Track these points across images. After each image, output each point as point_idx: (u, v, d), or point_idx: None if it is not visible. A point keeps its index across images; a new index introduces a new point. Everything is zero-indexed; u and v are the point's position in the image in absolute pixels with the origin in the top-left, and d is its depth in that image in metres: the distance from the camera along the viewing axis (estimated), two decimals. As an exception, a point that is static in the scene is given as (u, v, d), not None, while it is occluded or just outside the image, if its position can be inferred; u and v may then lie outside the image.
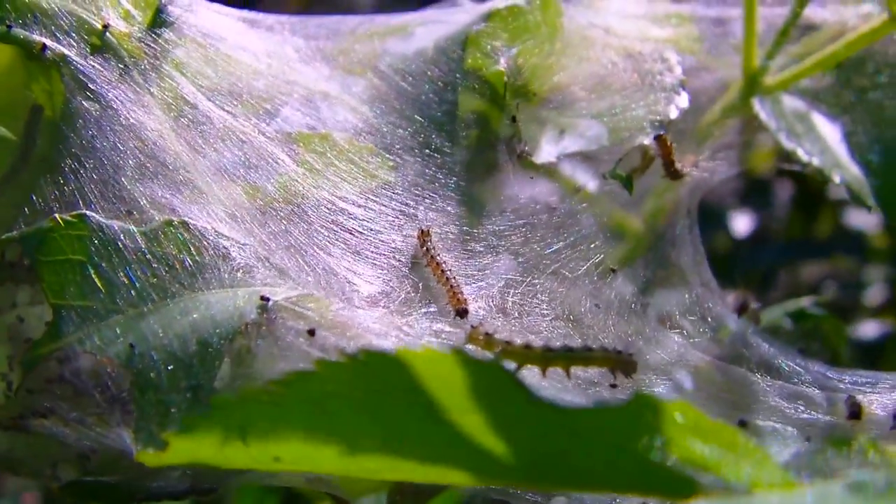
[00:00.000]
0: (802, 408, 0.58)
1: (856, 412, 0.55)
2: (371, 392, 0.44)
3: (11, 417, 0.64)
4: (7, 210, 0.69)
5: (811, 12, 0.90)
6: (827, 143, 0.86)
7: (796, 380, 0.63)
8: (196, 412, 0.49)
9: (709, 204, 1.95)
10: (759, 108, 0.87)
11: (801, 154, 0.84)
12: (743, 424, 0.52)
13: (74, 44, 0.65)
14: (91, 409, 0.58)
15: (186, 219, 0.58)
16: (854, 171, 0.82)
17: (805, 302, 0.91)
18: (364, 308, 0.57)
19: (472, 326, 0.53)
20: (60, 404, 0.58)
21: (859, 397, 0.58)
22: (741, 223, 1.79)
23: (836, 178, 0.81)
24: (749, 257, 1.73)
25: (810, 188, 1.92)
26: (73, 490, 0.66)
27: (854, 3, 0.88)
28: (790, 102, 0.90)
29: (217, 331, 0.52)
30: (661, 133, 0.66)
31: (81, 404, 0.59)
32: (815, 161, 0.82)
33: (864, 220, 1.83)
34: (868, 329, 1.67)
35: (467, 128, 0.67)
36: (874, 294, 1.87)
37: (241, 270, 0.56)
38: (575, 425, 0.40)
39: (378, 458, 0.45)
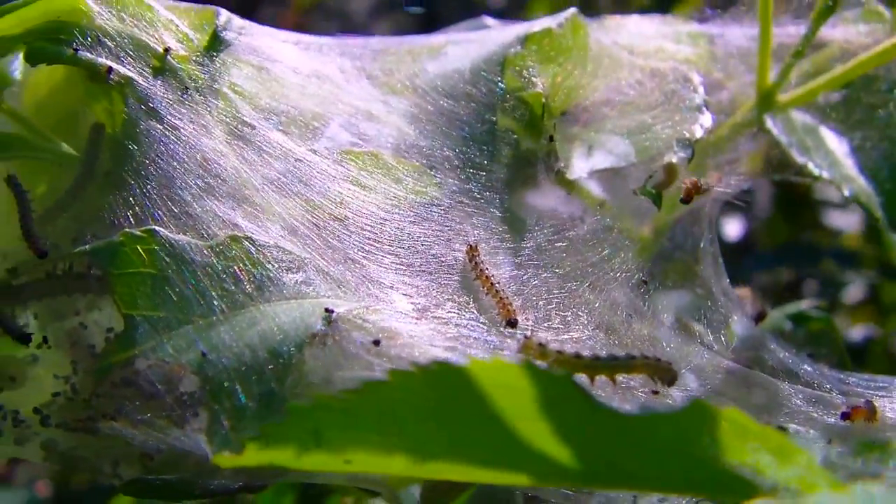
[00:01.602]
0: (822, 411, 0.61)
1: (848, 412, 0.59)
2: (441, 400, 0.47)
3: (80, 419, 0.66)
4: (73, 223, 0.72)
5: (821, 31, 0.93)
6: (836, 157, 0.89)
7: (816, 384, 0.66)
8: (271, 418, 0.52)
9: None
10: (772, 124, 0.90)
11: (812, 168, 0.87)
12: (783, 429, 0.55)
13: (137, 66, 0.68)
14: (161, 412, 0.61)
15: (249, 234, 0.61)
16: (862, 183, 0.85)
17: (804, 305, 0.94)
18: (415, 319, 0.60)
19: (525, 337, 0.56)
20: (130, 407, 0.60)
21: (876, 402, 0.61)
22: (731, 229, 1.84)
23: (846, 191, 0.84)
24: (737, 261, 1.77)
25: (794, 191, 1.96)
26: (135, 487, 0.69)
27: (862, 22, 0.91)
28: (800, 117, 0.93)
29: (286, 340, 0.55)
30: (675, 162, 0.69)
31: (151, 407, 0.61)
32: (825, 174, 0.86)
33: (844, 222, 1.88)
34: (854, 332, 1.72)
35: (507, 146, 0.70)
36: (853, 295, 1.91)
37: (303, 283, 0.59)
38: (637, 430, 0.42)
39: (444, 462, 0.48)
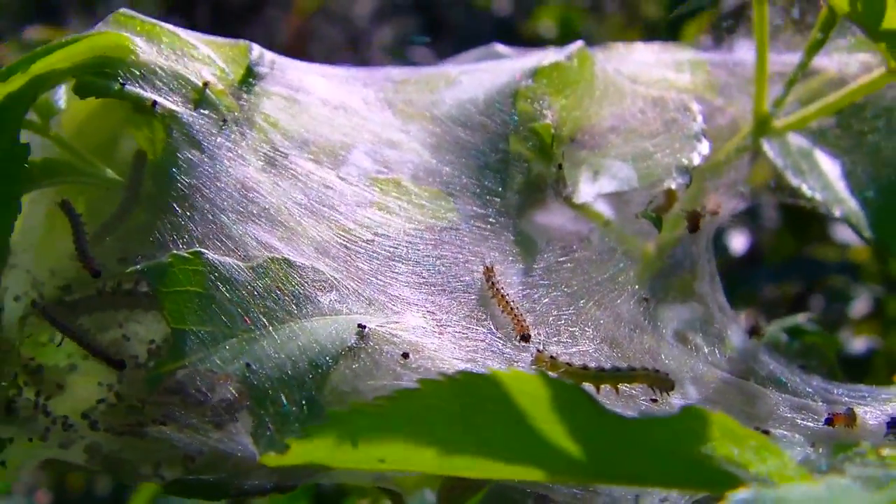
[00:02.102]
0: (807, 418, 0.70)
1: (831, 418, 0.67)
2: (466, 405, 0.55)
3: (129, 424, 0.74)
4: (118, 243, 0.80)
5: (815, 60, 1.02)
6: (829, 180, 0.98)
7: (802, 393, 0.75)
8: (312, 422, 0.60)
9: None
10: (769, 147, 0.99)
11: (806, 189, 0.95)
12: (765, 432, 0.63)
13: (179, 99, 0.76)
14: (205, 416, 0.69)
15: (286, 255, 0.70)
16: (853, 205, 0.94)
17: (800, 318, 1.03)
18: (437, 333, 0.68)
19: (537, 350, 0.65)
20: (178, 413, 0.69)
21: (858, 409, 0.70)
22: (737, 242, 1.93)
23: (837, 212, 0.93)
24: (743, 274, 1.86)
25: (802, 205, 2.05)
26: (177, 487, 0.77)
27: (853, 51, 1.00)
28: (796, 141, 1.01)
29: (323, 353, 0.63)
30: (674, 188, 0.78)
31: (197, 412, 0.70)
32: (818, 196, 0.94)
33: (851, 236, 1.97)
34: (857, 344, 1.81)
35: (519, 173, 0.79)
36: (860, 309, 2.00)
37: (336, 301, 0.67)
38: (636, 432, 0.51)
39: (469, 460, 0.56)
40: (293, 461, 0.59)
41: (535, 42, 4.37)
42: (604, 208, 0.91)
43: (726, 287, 1.02)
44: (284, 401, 0.62)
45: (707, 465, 0.50)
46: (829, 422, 0.68)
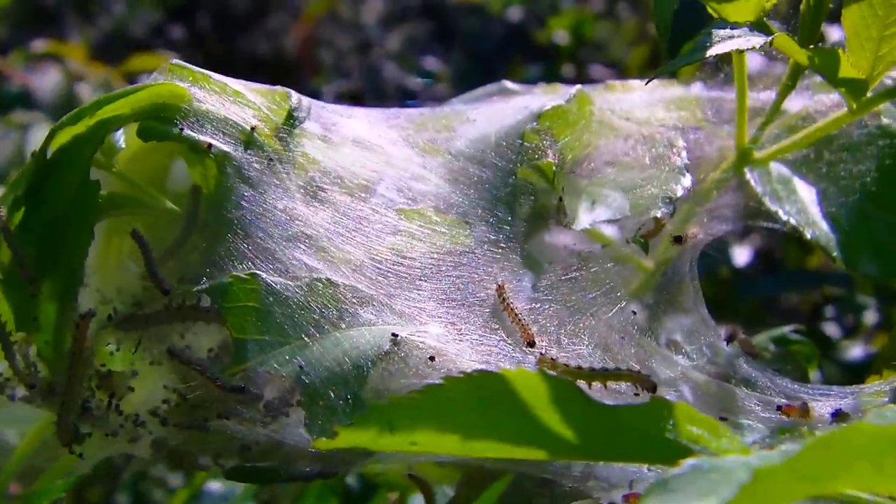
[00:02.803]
0: (770, 411, 0.87)
1: (780, 407, 0.85)
2: (482, 398, 0.72)
3: (196, 419, 0.92)
4: (180, 265, 0.97)
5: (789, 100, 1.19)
6: (804, 205, 1.15)
7: (769, 391, 0.92)
8: (356, 413, 0.77)
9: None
10: (750, 175, 1.16)
11: (782, 214, 1.12)
12: (723, 419, 0.80)
13: (230, 141, 0.93)
14: (263, 412, 0.86)
15: (328, 276, 0.87)
16: (824, 227, 1.11)
17: (786, 329, 1.20)
18: (457, 341, 0.86)
19: (541, 354, 0.82)
20: (240, 409, 0.86)
21: (811, 403, 0.87)
22: (741, 255, 2.12)
23: (808, 234, 1.09)
24: (750, 285, 2.04)
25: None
26: (235, 473, 0.95)
27: (826, 91, 1.17)
28: (777, 168, 1.19)
29: (363, 356, 0.81)
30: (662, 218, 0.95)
31: (256, 408, 0.87)
32: (792, 220, 1.11)
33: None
34: (856, 351, 1.99)
35: (525, 204, 0.96)
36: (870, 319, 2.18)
37: (372, 314, 0.84)
38: (618, 418, 0.68)
39: (485, 443, 0.73)
40: (341, 445, 0.76)
41: (548, 50, 4.54)
42: (605, 229, 1.08)
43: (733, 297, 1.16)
44: (332, 396, 0.79)
45: (671, 443, 0.67)
46: (778, 409, 0.85)
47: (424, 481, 1.02)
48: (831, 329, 2.32)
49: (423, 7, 7.72)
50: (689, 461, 0.59)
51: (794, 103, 1.17)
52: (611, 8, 4.49)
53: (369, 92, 5.64)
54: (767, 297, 2.24)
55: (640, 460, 0.72)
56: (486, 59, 5.60)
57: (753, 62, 1.26)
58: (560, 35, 4.54)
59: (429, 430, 0.74)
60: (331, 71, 6.67)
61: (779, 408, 0.85)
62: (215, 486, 1.72)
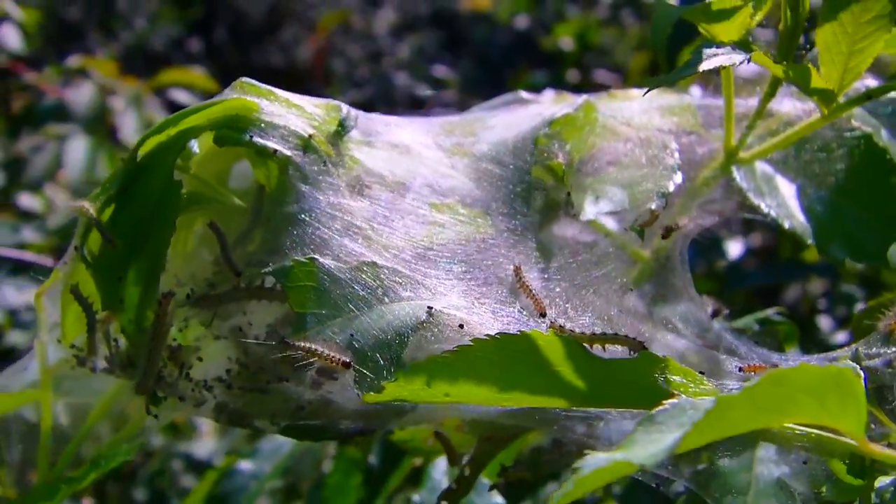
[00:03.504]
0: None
1: (741, 368, 1.00)
2: (504, 355, 0.87)
3: (257, 382, 1.07)
4: (246, 253, 1.13)
5: (773, 104, 1.34)
6: (784, 199, 1.29)
7: (748, 358, 1.07)
8: (399, 371, 0.92)
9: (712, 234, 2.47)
10: (736, 173, 1.30)
11: (764, 207, 1.27)
12: (701, 373, 0.95)
13: (291, 146, 1.08)
14: (317, 375, 1.01)
15: (373, 260, 1.02)
16: (801, 219, 1.25)
17: (770, 311, 1.35)
18: (480, 313, 1.01)
19: (551, 322, 0.97)
20: (299, 373, 1.01)
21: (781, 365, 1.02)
22: (734, 248, 2.27)
23: (787, 225, 1.24)
24: (741, 277, 2.19)
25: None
26: (289, 430, 1.10)
27: (805, 98, 1.31)
28: (761, 167, 1.33)
29: (404, 326, 0.96)
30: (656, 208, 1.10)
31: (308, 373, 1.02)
32: (773, 212, 1.25)
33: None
34: (841, 337, 2.14)
35: (539, 198, 1.11)
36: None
37: (410, 291, 1.00)
38: (617, 370, 0.83)
39: (507, 394, 0.87)
40: (386, 398, 0.91)
41: (554, 56, 4.69)
42: (607, 222, 1.23)
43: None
44: (379, 358, 0.94)
45: (659, 389, 0.82)
46: (740, 370, 1.00)
47: (447, 439, 1.17)
48: (825, 322, 2.47)
49: (433, 17, 7.90)
50: (671, 401, 0.75)
51: (784, 106, 1.32)
52: (615, 15, 4.62)
53: (380, 100, 5.79)
54: (762, 290, 2.39)
55: (635, 405, 0.86)
56: (493, 66, 5.75)
57: (751, 67, 1.40)
58: (566, 42, 4.67)
59: (460, 383, 0.88)
60: (343, 80, 6.84)
61: (740, 369, 1.00)
62: (245, 465, 1.86)
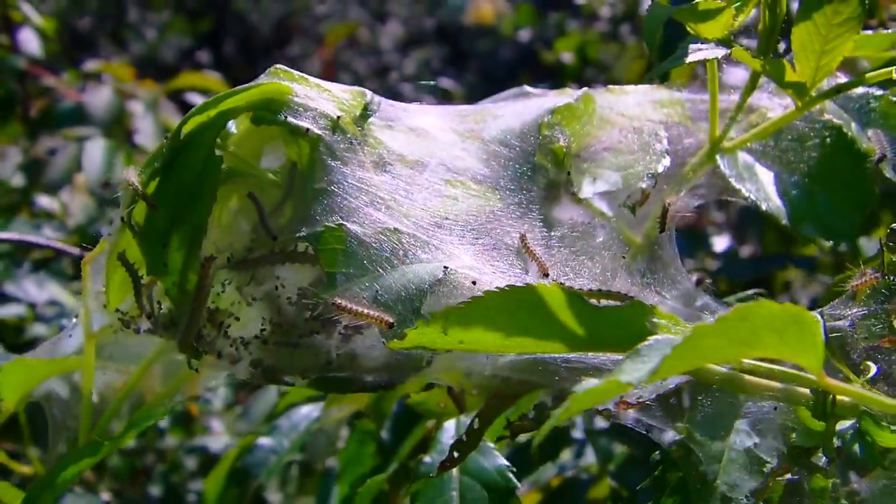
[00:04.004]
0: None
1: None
2: (511, 304, 0.99)
3: (290, 338, 1.18)
4: (280, 221, 1.25)
5: (755, 100, 1.46)
6: (763, 184, 1.41)
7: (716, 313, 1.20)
8: (420, 320, 1.04)
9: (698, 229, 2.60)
10: (720, 161, 1.43)
11: (744, 191, 1.39)
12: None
13: (321, 126, 1.20)
14: (346, 330, 1.13)
15: (395, 226, 1.14)
16: (777, 202, 1.37)
17: (750, 292, 1.48)
18: (490, 273, 1.13)
19: (553, 281, 1.09)
20: (328, 329, 1.13)
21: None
22: (720, 243, 2.42)
23: (764, 207, 1.36)
24: (723, 268, 2.32)
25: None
26: (318, 383, 1.21)
27: (783, 94, 1.44)
28: (742, 156, 1.46)
29: (423, 283, 1.08)
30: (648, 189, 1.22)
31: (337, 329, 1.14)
32: (752, 196, 1.38)
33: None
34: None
35: (542, 177, 1.24)
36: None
37: (428, 254, 1.12)
38: (611, 316, 0.95)
39: (514, 339, 0.99)
40: (408, 345, 1.03)
41: (556, 68, 4.82)
42: (602, 205, 1.36)
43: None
44: (401, 310, 1.06)
45: (647, 331, 0.94)
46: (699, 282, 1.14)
47: (458, 394, 1.29)
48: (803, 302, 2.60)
49: (438, 31, 8.05)
50: (654, 337, 0.87)
51: (765, 102, 1.45)
52: (614, 31, 4.76)
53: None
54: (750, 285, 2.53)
55: (626, 348, 0.98)
56: (496, 79, 5.90)
57: (742, 76, 1.53)
58: (566, 56, 4.80)
59: (472, 330, 0.99)
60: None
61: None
62: (265, 441, 1.97)
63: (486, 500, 1.41)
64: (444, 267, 1.08)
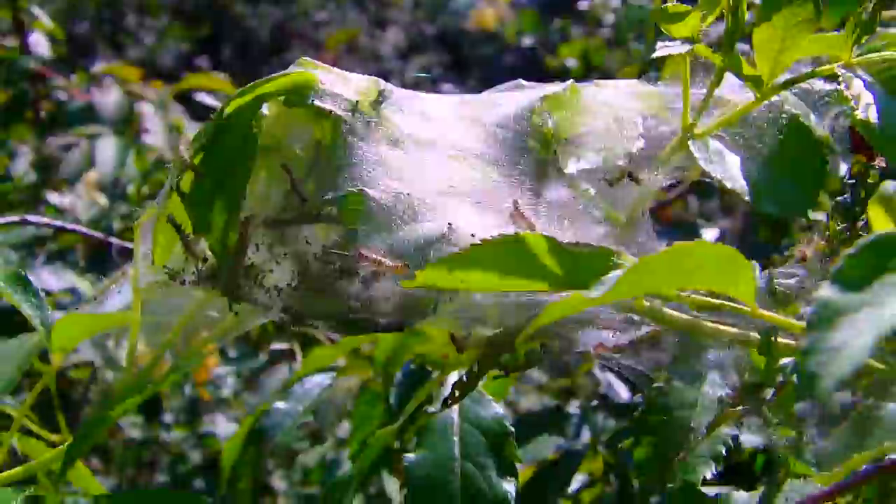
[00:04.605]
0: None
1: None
2: (504, 250, 1.26)
3: (318, 285, 1.46)
4: (308, 189, 1.53)
5: (727, 95, 1.74)
6: (729, 166, 1.69)
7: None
8: (428, 265, 1.32)
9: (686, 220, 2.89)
10: (692, 146, 1.71)
11: (712, 172, 1.67)
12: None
13: (343, 109, 1.48)
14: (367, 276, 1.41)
15: (406, 192, 1.42)
16: (741, 182, 1.64)
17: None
18: (486, 229, 1.41)
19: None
20: (351, 277, 1.41)
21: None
22: (708, 235, 2.70)
23: (729, 185, 1.64)
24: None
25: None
26: (341, 326, 1.49)
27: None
28: (712, 143, 1.74)
29: (431, 236, 1.36)
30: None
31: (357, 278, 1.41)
32: (719, 176, 1.65)
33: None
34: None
35: (533, 155, 1.52)
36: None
37: (435, 214, 1.39)
38: (581, 257, 1.23)
39: (506, 279, 1.26)
40: (418, 284, 1.30)
41: (560, 74, 5.12)
42: (586, 185, 1.64)
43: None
44: (414, 259, 1.34)
45: (611, 270, 1.22)
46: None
47: (459, 339, 1.57)
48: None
49: (439, 38, 8.37)
50: (617, 270, 1.15)
51: (737, 97, 1.72)
52: (618, 36, 5.04)
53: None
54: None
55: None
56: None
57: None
58: (570, 62, 5.09)
59: (472, 272, 1.27)
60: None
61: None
62: (280, 405, 2.25)
63: (484, 444, 1.69)
64: (449, 223, 1.36)
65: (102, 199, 4.01)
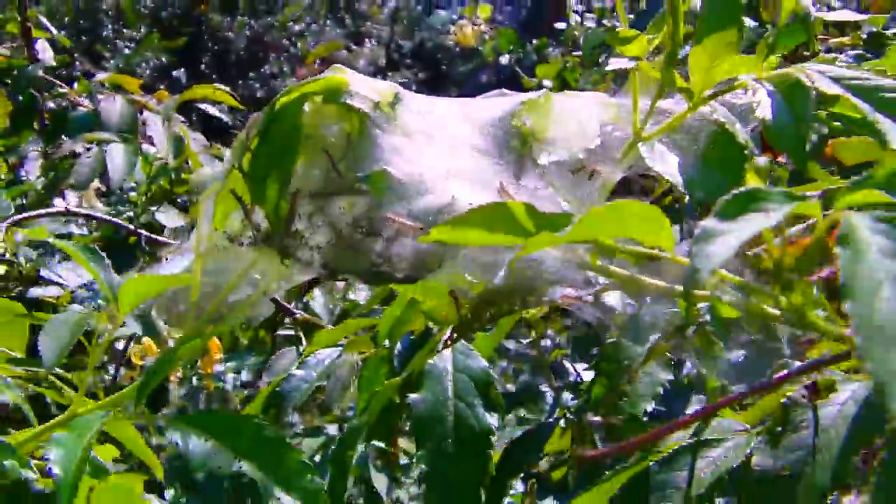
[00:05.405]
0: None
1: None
2: (492, 212, 1.81)
3: (350, 242, 2.01)
4: (342, 168, 2.08)
5: (673, 107, 2.32)
6: (670, 165, 2.26)
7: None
8: (438, 224, 1.88)
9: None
10: (641, 148, 2.28)
11: (657, 169, 2.24)
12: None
13: (368, 106, 2.04)
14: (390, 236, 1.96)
15: (419, 171, 1.98)
16: (679, 178, 2.21)
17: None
18: (480, 201, 1.97)
19: (520, 206, 1.94)
20: (376, 238, 1.96)
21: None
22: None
23: (669, 178, 2.21)
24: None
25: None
26: (367, 277, 2.04)
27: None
28: (657, 146, 2.31)
29: (436, 206, 1.91)
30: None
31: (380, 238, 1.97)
32: (661, 171, 2.22)
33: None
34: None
35: (514, 151, 2.09)
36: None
37: (439, 190, 1.95)
38: (550, 218, 1.79)
39: (496, 235, 1.82)
40: (431, 239, 1.85)
41: (538, 89, 5.69)
42: (558, 180, 2.21)
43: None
44: (424, 223, 1.90)
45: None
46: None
47: (457, 295, 2.13)
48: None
49: (417, 54, 8.92)
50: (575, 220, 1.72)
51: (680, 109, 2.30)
52: (585, 58, 5.63)
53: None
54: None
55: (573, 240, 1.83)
56: (477, 103, 6.75)
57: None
58: (547, 83, 5.67)
59: (470, 231, 1.83)
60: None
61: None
62: (297, 372, 2.79)
63: (472, 388, 2.27)
64: (452, 196, 1.93)
65: (100, 205, 4.55)
